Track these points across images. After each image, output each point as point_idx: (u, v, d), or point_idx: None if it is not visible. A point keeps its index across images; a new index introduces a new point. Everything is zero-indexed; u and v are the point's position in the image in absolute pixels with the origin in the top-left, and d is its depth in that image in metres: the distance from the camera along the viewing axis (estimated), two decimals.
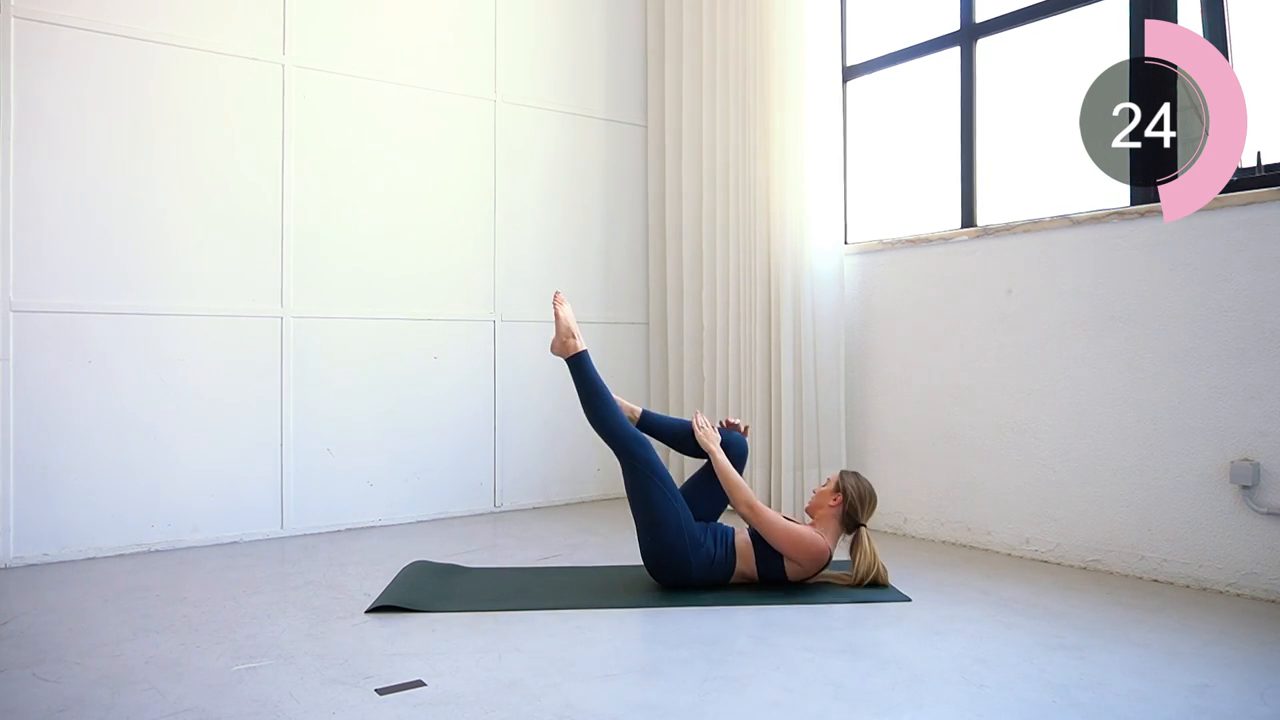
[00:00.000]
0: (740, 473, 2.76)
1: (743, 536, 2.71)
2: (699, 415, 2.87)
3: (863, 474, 2.99)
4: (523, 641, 2.23)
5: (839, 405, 3.68)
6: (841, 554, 2.85)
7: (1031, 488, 3.16)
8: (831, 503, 2.70)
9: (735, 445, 2.84)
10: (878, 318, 3.70)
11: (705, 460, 2.84)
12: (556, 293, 2.90)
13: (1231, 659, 2.11)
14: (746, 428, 2.96)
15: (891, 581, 2.75)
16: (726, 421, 2.93)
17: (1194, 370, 2.76)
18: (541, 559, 3.15)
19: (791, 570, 2.65)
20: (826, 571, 2.75)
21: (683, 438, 2.90)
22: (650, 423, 2.93)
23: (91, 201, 3.19)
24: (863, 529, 2.71)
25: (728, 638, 2.27)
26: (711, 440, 2.80)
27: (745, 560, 2.67)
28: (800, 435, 3.69)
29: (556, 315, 2.83)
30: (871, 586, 2.68)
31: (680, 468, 4.13)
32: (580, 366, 2.80)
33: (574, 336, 2.81)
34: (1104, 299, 2.97)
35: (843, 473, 2.76)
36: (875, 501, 2.73)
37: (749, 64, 3.92)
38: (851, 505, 2.69)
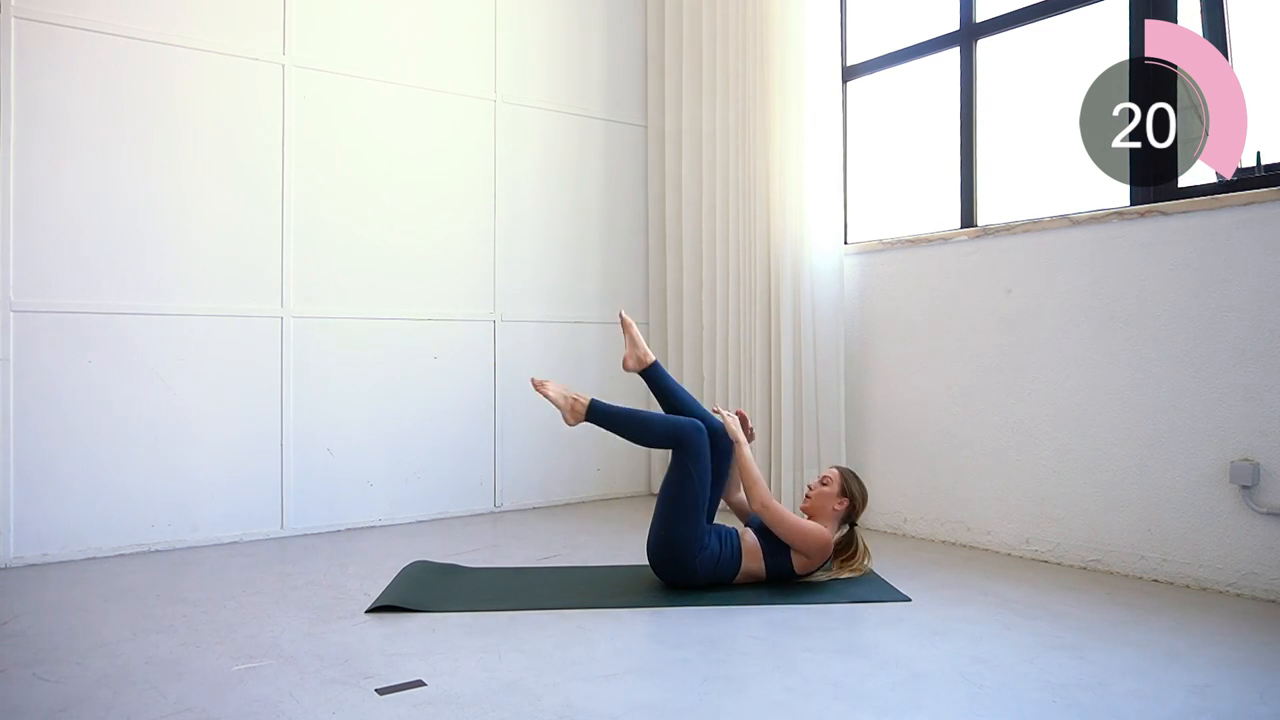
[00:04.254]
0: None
1: (749, 538, 2.72)
2: (729, 417, 2.82)
3: (859, 472, 3.01)
4: (523, 641, 2.23)
5: (838, 405, 3.68)
6: None
7: (1031, 488, 3.16)
8: (837, 505, 2.75)
9: (723, 437, 2.82)
10: (877, 318, 3.69)
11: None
12: (532, 380, 2.84)
13: (1231, 659, 2.11)
14: (751, 428, 2.96)
15: (891, 581, 2.76)
16: (739, 413, 2.90)
17: (1194, 370, 2.76)
18: (541, 559, 3.15)
19: (799, 563, 2.69)
20: (820, 573, 2.76)
21: (684, 413, 2.87)
22: (660, 381, 2.91)
23: (91, 201, 3.19)
24: (856, 528, 2.80)
25: (728, 638, 2.27)
26: (741, 434, 2.80)
27: (753, 559, 2.70)
28: (800, 434, 3.69)
29: (547, 398, 2.78)
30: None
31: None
32: (600, 416, 2.77)
33: (576, 399, 2.78)
34: (1104, 299, 2.97)
35: (842, 474, 2.79)
36: (868, 500, 2.85)
37: (749, 64, 3.92)
38: (855, 508, 2.77)
